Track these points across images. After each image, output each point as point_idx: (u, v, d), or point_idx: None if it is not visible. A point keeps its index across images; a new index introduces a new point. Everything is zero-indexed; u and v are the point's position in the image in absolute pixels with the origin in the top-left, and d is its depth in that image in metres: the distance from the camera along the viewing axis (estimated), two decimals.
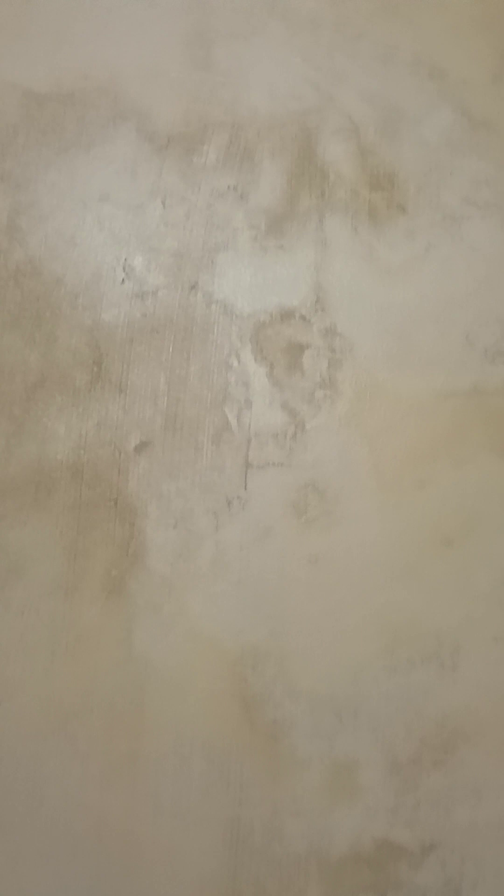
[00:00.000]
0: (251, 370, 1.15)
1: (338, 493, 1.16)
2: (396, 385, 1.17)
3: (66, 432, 1.13)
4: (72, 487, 1.13)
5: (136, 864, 1.13)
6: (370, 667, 1.14)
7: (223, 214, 1.16)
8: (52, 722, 1.12)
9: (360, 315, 1.17)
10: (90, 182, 1.16)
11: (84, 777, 1.12)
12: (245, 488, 1.14)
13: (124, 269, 1.15)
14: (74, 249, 1.15)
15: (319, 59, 1.20)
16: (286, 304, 1.16)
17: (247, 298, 1.16)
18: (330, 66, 1.20)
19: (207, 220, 1.16)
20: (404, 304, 1.17)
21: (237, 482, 1.14)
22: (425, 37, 1.23)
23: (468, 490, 1.17)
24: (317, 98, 1.19)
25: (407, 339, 1.17)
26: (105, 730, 1.13)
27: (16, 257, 1.14)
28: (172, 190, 1.16)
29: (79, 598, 1.12)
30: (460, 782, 1.12)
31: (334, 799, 1.12)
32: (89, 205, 1.16)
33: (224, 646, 1.13)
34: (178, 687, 1.12)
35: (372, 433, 1.16)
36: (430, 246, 1.18)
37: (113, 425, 1.14)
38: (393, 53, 1.21)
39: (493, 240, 1.19)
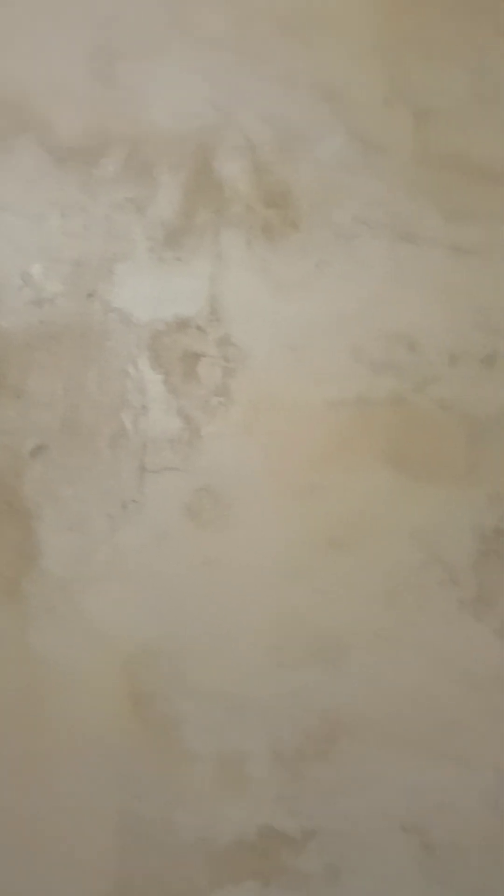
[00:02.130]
0: (148, 377, 1.19)
1: (232, 497, 1.20)
2: (288, 394, 1.22)
3: None
4: None
5: (32, 855, 1.15)
6: (259, 664, 1.19)
7: (121, 226, 1.20)
8: None
9: (254, 326, 1.21)
10: None
11: None
12: (141, 492, 1.18)
13: (23, 277, 1.18)
14: None
15: (220, 78, 1.24)
16: (182, 314, 1.20)
17: (144, 307, 1.19)
18: (229, 86, 1.24)
19: (106, 230, 1.19)
20: (296, 316, 1.22)
21: (133, 486, 1.18)
22: (322, 60, 1.28)
23: (356, 495, 1.23)
24: (215, 116, 1.23)
25: (298, 350, 1.22)
26: (2, 727, 1.15)
27: None
28: (72, 201, 1.19)
29: None
30: (342, 772, 1.17)
31: (222, 790, 1.17)
32: None
33: (117, 645, 1.16)
34: (73, 685, 1.15)
35: (265, 440, 1.21)
36: (321, 262, 1.23)
37: (9, 430, 1.16)
38: (291, 75, 1.26)
39: (382, 258, 1.25)
